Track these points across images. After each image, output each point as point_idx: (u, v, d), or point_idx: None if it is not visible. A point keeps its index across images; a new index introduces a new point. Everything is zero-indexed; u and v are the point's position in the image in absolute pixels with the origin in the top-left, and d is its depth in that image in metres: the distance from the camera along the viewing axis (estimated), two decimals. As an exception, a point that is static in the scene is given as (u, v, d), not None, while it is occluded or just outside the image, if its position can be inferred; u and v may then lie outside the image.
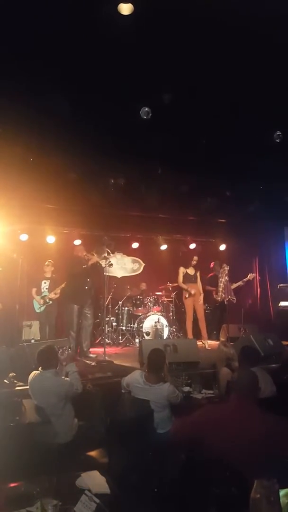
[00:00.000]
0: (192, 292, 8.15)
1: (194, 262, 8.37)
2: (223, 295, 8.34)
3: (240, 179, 6.48)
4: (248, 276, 8.76)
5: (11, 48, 3.80)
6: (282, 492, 1.64)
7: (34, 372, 3.73)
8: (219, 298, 8.45)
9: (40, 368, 3.70)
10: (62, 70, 4.14)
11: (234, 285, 8.42)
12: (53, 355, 3.74)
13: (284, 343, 6.82)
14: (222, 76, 4.32)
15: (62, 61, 4.03)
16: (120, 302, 8.77)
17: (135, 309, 8.84)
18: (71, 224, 8.29)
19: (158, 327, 8.10)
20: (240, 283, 8.63)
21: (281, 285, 9.21)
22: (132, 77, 4.30)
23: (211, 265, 9.35)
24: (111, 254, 7.46)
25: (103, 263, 7.12)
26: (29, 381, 3.73)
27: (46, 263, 7.57)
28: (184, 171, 6.25)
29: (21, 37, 3.70)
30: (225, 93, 4.57)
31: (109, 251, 7.25)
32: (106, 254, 7.08)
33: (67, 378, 3.72)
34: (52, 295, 7.34)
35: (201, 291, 8.41)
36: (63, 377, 3.73)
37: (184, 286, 8.26)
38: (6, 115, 4.70)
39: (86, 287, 7.00)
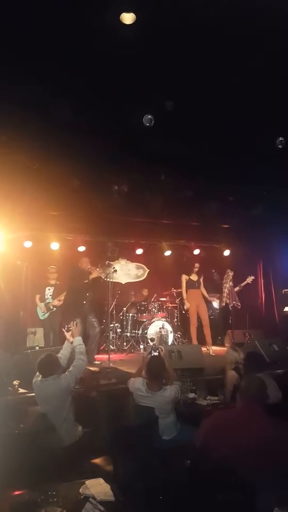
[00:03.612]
0: (186, 307, 8.17)
1: (196, 269, 8.34)
2: (228, 301, 8.33)
3: (243, 184, 6.47)
4: (247, 279, 8.65)
5: (13, 54, 3.84)
6: None
7: (38, 375, 3.74)
8: (223, 304, 8.42)
9: (40, 377, 3.70)
10: (66, 76, 4.17)
11: (235, 289, 8.40)
12: (53, 363, 3.76)
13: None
14: (225, 82, 4.34)
15: (65, 68, 4.07)
16: (124, 308, 8.75)
17: (139, 315, 8.80)
18: (75, 230, 8.29)
19: (163, 333, 8.09)
20: (238, 288, 8.60)
21: (286, 290, 9.18)
22: (134, 84, 4.33)
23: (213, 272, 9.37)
24: (115, 268, 7.46)
25: (107, 271, 7.10)
26: (33, 385, 3.75)
27: (49, 270, 7.59)
28: (187, 177, 6.26)
29: (24, 43, 3.74)
30: (228, 98, 4.59)
31: (115, 268, 7.26)
32: (110, 269, 7.08)
33: (66, 372, 3.75)
34: (56, 302, 7.33)
35: (206, 295, 8.38)
36: (66, 372, 3.76)
37: (184, 297, 8.20)
38: (10, 122, 4.74)
39: (84, 302, 6.88)
